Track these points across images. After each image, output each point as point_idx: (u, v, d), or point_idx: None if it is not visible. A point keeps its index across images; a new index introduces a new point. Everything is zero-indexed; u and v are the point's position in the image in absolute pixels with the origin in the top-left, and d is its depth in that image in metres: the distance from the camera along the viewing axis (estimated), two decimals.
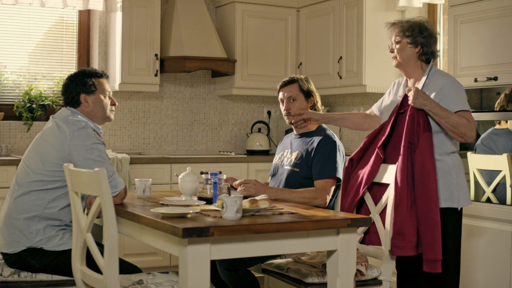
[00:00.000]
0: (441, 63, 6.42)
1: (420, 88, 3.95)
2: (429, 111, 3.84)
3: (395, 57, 4.10)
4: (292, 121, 4.44)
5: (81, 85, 4.03)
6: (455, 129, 3.82)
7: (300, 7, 7.23)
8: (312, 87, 4.53)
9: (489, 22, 4.89)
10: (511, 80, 4.70)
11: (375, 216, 4.07)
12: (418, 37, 4.01)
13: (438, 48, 4.22)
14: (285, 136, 4.74)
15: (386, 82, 6.41)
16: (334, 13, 6.69)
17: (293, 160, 4.40)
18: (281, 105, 4.53)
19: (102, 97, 4.06)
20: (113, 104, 4.14)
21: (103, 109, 4.07)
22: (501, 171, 4.70)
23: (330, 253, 3.45)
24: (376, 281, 3.93)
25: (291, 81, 4.49)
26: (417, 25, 4.04)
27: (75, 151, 3.76)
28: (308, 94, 4.47)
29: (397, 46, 4.06)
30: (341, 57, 6.58)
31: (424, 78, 4.02)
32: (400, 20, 4.13)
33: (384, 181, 4.14)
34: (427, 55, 4.05)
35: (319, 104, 4.54)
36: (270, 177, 4.64)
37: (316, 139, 4.37)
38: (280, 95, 4.51)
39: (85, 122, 3.90)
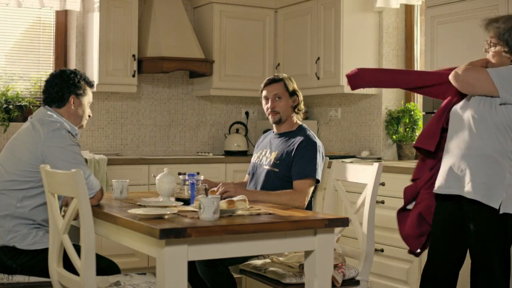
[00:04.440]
0: (418, 63, 6.46)
1: None
2: None
3: (490, 60, 3.79)
4: (275, 119, 4.47)
5: (75, 86, 4.03)
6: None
7: (278, 8, 7.24)
8: (296, 86, 4.54)
9: (466, 23, 4.93)
10: None
11: (352, 216, 4.10)
12: None
13: None
14: (263, 135, 4.74)
15: None
16: (312, 14, 6.71)
17: (272, 160, 4.40)
18: (264, 103, 4.53)
19: (86, 104, 4.09)
20: (89, 115, 4.16)
21: (82, 115, 4.08)
22: None
23: (307, 253, 3.46)
24: (354, 281, 3.94)
25: (277, 80, 4.49)
26: None
27: (48, 153, 3.75)
28: (292, 93, 4.48)
29: (492, 49, 3.75)
30: (318, 58, 6.59)
31: None
32: (497, 19, 3.78)
33: (360, 181, 4.16)
34: None
35: (301, 104, 4.54)
36: (247, 176, 4.65)
37: (297, 139, 4.37)
38: (265, 92, 4.51)
39: (60, 123, 3.89)
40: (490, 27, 3.78)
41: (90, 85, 4.15)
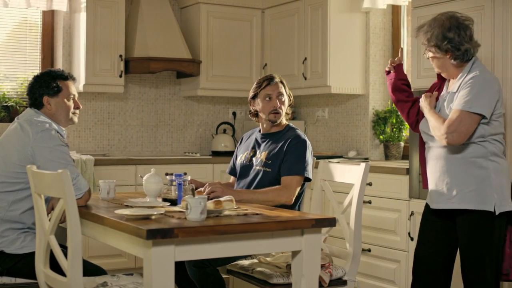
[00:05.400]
0: (405, 64, 6.48)
1: (453, 89, 3.80)
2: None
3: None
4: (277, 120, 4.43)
5: (44, 87, 3.98)
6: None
7: (265, 8, 7.24)
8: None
9: None
10: None
11: (339, 216, 4.10)
12: (443, 45, 3.76)
13: (475, 40, 3.84)
14: (246, 134, 4.69)
15: (350, 83, 6.45)
16: (299, 14, 6.72)
17: (263, 160, 4.37)
18: (264, 101, 4.40)
19: (65, 100, 4.02)
20: (77, 107, 4.09)
21: (66, 112, 4.03)
22: None
23: (294, 253, 3.46)
24: (341, 281, 3.94)
25: (278, 80, 4.42)
26: (439, 30, 3.77)
27: (38, 153, 3.74)
28: (287, 95, 4.46)
29: (429, 54, 3.84)
30: (306, 58, 6.60)
31: (459, 77, 3.81)
32: (423, 25, 3.89)
33: (347, 181, 4.17)
34: (459, 59, 3.77)
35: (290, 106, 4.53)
36: (232, 178, 4.63)
37: (287, 138, 4.33)
38: (267, 91, 4.39)
39: (49, 124, 3.88)
40: (419, 34, 3.89)
41: (64, 78, 4.06)
